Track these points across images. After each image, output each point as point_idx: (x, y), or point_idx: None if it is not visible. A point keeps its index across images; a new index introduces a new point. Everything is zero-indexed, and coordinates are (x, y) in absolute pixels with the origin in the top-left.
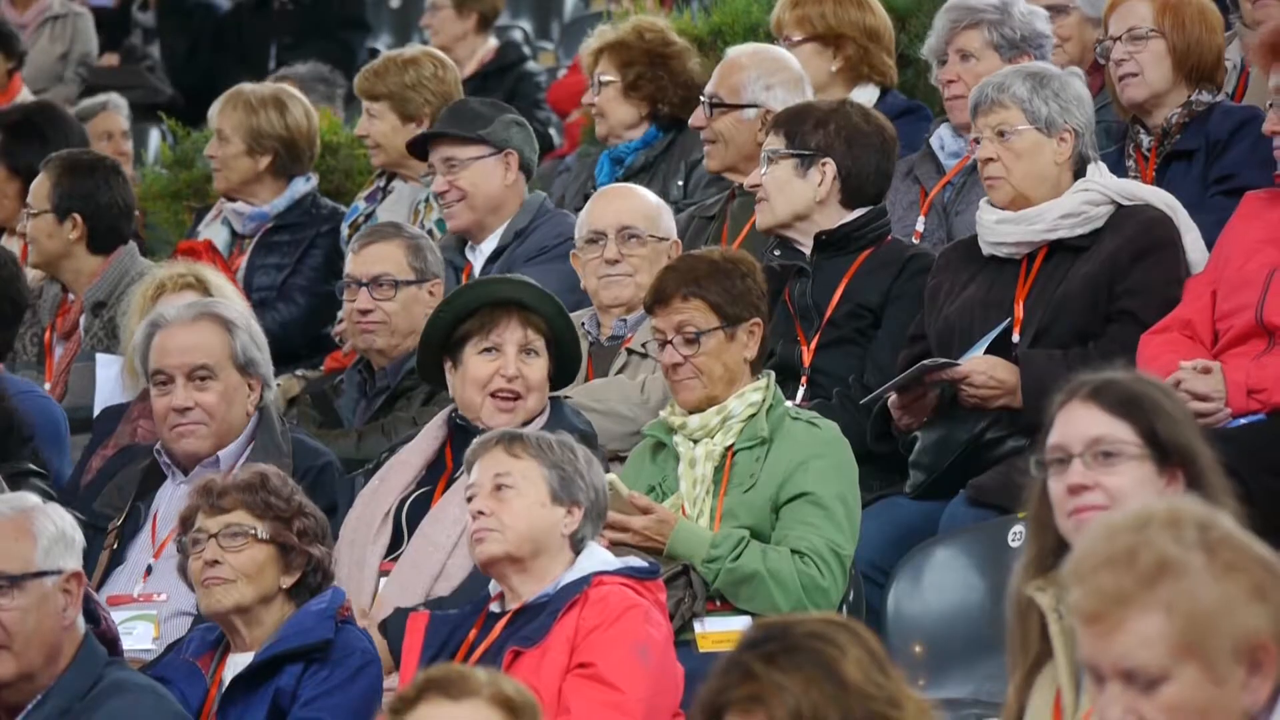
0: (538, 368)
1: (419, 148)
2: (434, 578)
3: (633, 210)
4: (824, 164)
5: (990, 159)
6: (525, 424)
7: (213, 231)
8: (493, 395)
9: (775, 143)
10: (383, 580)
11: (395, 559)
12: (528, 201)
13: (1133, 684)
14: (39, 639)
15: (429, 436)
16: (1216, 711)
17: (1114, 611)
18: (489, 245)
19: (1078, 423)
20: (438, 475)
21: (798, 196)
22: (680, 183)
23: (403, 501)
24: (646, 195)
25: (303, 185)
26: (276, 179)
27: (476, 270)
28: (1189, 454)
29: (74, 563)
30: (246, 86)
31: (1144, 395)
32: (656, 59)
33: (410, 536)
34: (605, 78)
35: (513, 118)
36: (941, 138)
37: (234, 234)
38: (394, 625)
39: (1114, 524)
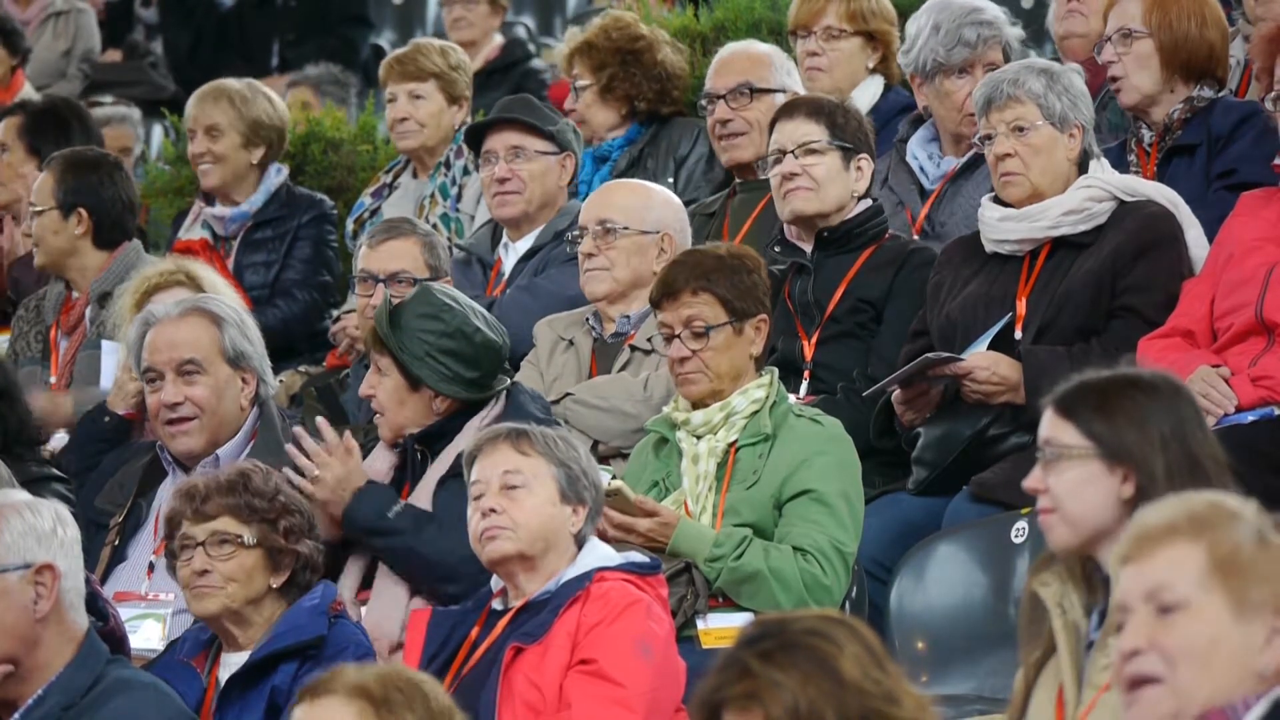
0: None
1: (477, 133)
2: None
3: (610, 204)
4: (861, 160)
5: (1007, 154)
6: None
7: (192, 236)
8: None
9: (816, 132)
10: (363, 608)
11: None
12: (568, 206)
13: (1155, 608)
14: (3, 630)
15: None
16: (1229, 653)
17: (1156, 541)
18: (524, 244)
19: (1041, 428)
20: (400, 484)
21: (845, 190)
22: (670, 179)
23: None
24: (634, 188)
25: (275, 177)
26: (254, 173)
27: (507, 267)
28: (1135, 451)
29: (44, 555)
30: (225, 81)
31: (1093, 392)
32: (627, 56)
33: None
34: (581, 83)
35: (572, 125)
36: (919, 158)
37: (215, 236)
38: None
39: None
